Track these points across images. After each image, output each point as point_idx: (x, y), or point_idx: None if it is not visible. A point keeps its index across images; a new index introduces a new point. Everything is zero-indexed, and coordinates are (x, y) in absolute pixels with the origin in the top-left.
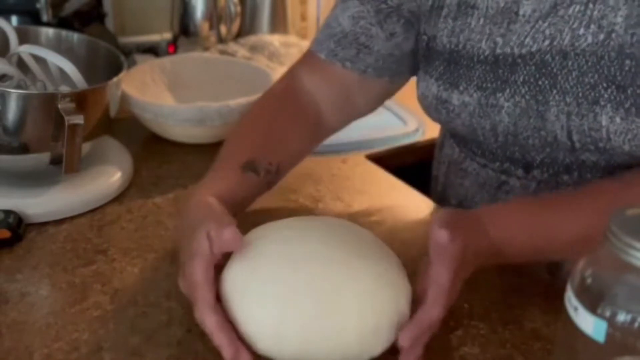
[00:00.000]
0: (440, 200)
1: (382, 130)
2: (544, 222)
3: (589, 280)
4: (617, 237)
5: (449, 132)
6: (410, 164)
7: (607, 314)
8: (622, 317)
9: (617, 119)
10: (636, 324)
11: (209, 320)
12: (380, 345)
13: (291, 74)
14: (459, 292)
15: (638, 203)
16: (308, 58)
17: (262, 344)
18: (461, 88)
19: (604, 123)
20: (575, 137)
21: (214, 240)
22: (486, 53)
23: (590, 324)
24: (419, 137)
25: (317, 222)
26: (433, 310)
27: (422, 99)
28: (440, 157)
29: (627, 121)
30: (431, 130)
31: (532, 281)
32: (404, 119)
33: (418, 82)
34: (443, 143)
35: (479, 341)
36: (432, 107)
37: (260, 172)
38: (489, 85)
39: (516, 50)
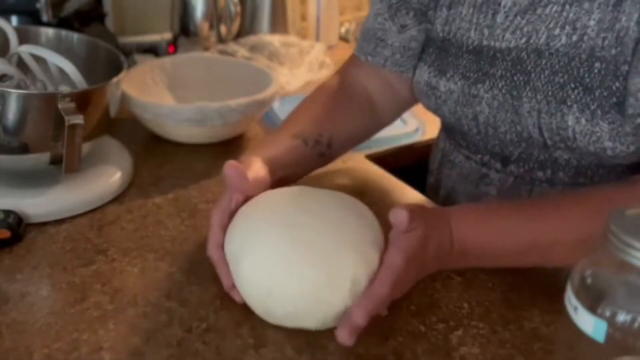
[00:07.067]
0: (432, 191)
1: (382, 130)
2: (507, 225)
3: (589, 280)
4: (617, 237)
5: (440, 120)
6: (410, 164)
7: (607, 314)
8: (622, 317)
9: (583, 120)
10: (636, 324)
11: (215, 255)
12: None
13: (341, 69)
14: (413, 282)
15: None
16: (353, 55)
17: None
18: (448, 75)
19: (570, 123)
20: (546, 135)
21: (225, 179)
22: (475, 43)
23: (590, 324)
24: (418, 137)
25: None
26: (380, 288)
27: (416, 85)
28: (436, 150)
29: (592, 123)
30: (431, 130)
31: (532, 281)
32: (404, 119)
33: (415, 68)
34: (439, 136)
35: (479, 341)
36: (423, 93)
37: (309, 142)
38: (471, 75)
39: (497, 44)
